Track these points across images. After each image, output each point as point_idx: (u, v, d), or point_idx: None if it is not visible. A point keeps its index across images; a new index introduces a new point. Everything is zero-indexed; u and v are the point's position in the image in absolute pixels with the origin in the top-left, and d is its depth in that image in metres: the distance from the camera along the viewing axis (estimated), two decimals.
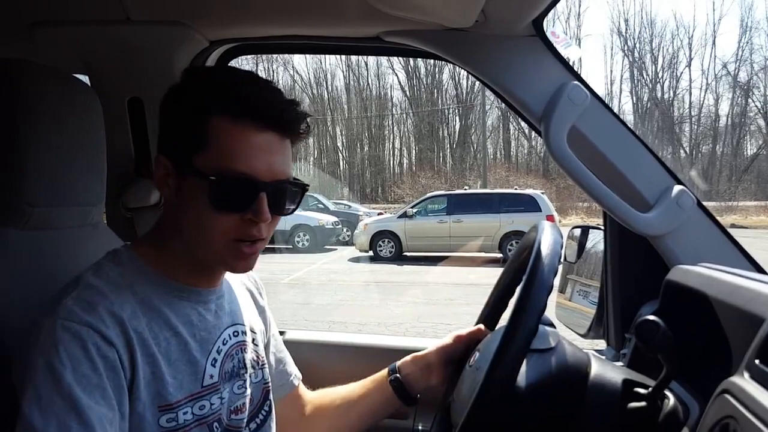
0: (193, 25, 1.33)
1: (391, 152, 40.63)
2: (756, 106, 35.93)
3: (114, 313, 0.79)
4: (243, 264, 0.88)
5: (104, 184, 1.06)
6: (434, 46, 1.26)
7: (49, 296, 0.81)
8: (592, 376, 0.85)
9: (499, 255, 12.28)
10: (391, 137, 40.64)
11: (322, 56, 39.61)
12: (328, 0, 1.22)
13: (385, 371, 1.14)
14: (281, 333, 1.32)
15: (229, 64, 1.52)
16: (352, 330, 6.96)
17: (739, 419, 0.60)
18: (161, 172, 0.86)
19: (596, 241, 1.44)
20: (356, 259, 13.19)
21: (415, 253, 13.01)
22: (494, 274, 1.11)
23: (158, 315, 0.84)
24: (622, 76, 38.69)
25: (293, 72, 39.80)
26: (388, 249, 13.24)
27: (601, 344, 1.38)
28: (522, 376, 0.82)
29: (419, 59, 33.44)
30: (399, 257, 13.05)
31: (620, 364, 1.07)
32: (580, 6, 38.23)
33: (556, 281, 0.79)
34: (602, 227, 1.35)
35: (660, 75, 37.12)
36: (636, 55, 37.95)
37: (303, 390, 1.18)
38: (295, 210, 0.91)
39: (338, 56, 40.13)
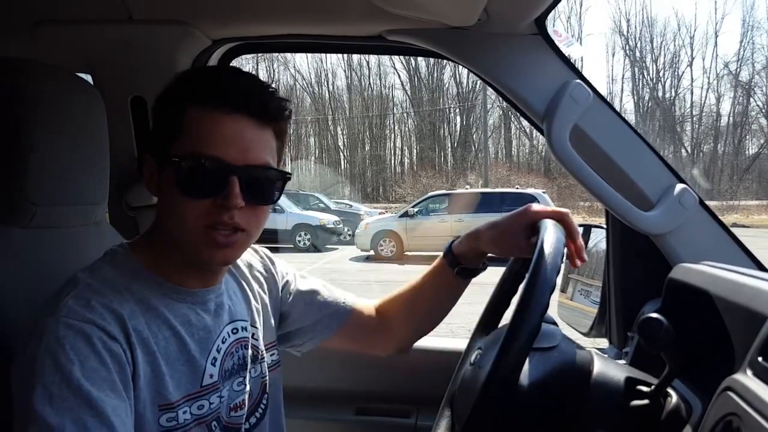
0: (195, 24, 1.33)
1: (393, 151, 40.69)
2: (757, 105, 36.00)
3: (114, 310, 0.78)
4: (220, 254, 0.84)
5: (107, 182, 1.06)
6: (436, 44, 1.26)
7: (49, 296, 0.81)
8: (594, 374, 0.85)
9: None
10: (393, 136, 40.72)
11: (323, 55, 39.86)
12: None
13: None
14: None
15: (230, 64, 1.52)
16: None
17: (742, 416, 0.60)
18: (148, 171, 0.87)
19: (598, 240, 1.44)
20: (357, 259, 13.18)
21: (416, 252, 12.98)
22: (496, 272, 1.11)
23: (156, 314, 0.84)
24: (623, 76, 38.68)
25: (294, 71, 39.91)
26: (389, 248, 13.23)
27: (604, 343, 1.38)
28: (525, 375, 0.82)
29: (420, 58, 33.51)
30: (400, 257, 13.04)
31: (623, 362, 1.08)
32: (581, 5, 38.30)
33: (559, 280, 0.79)
34: (604, 226, 1.35)
35: (661, 74, 37.17)
36: (637, 54, 37.98)
37: (362, 303, 1.18)
38: (278, 199, 0.89)
39: (339, 56, 40.41)
